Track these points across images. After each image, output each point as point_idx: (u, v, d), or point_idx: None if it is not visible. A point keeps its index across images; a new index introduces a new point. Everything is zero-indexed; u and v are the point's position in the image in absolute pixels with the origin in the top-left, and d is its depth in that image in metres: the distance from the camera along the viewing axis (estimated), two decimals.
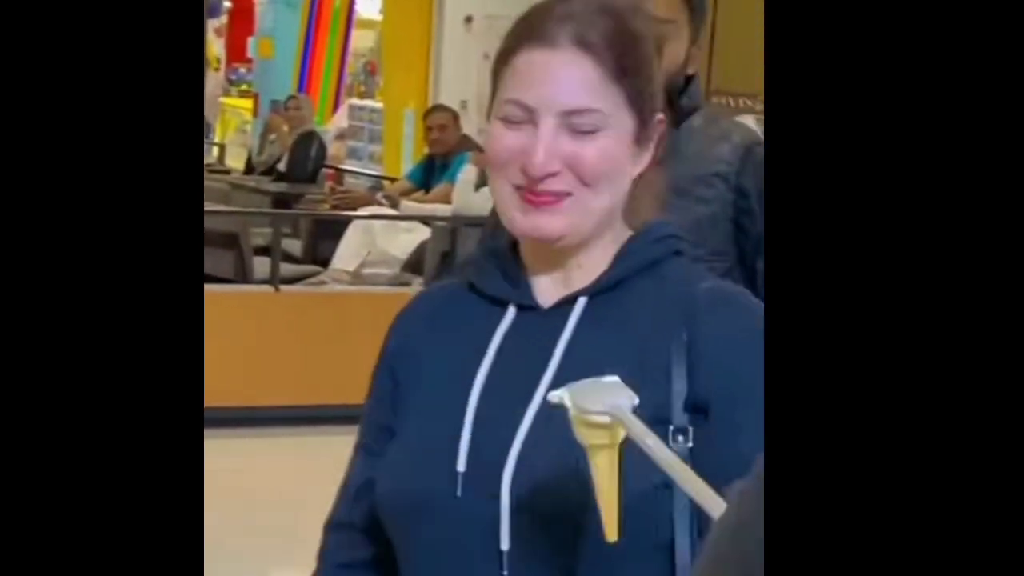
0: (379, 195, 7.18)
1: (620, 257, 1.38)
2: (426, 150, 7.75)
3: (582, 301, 1.36)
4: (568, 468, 1.26)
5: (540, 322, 1.38)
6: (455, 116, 7.54)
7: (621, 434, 1.14)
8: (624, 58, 1.33)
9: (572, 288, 1.38)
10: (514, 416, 1.33)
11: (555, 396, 1.17)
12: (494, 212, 2.77)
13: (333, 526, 1.47)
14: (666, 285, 1.40)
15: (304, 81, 9.65)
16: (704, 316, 1.38)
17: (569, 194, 1.30)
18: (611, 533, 1.19)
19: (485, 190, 2.49)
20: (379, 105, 9.33)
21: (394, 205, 6.83)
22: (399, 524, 1.35)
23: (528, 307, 1.38)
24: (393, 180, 7.72)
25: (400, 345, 1.45)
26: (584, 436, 1.15)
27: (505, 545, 1.31)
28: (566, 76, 1.32)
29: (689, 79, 2.52)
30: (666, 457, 1.11)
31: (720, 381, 1.36)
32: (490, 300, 1.41)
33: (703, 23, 2.55)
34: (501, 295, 1.39)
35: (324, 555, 1.47)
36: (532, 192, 1.30)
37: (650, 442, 1.11)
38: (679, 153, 2.42)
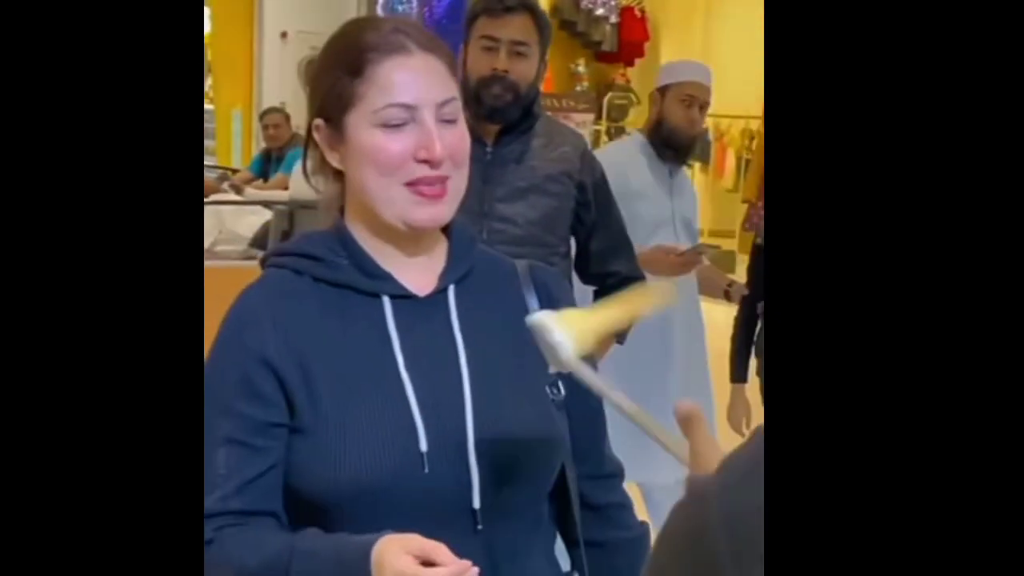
0: (226, 183, 7.40)
1: (458, 247, 1.35)
2: (263, 145, 8.07)
3: (451, 289, 1.33)
4: (521, 424, 1.24)
5: (421, 308, 1.31)
6: (287, 116, 7.91)
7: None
8: (450, 56, 1.32)
9: (431, 275, 1.33)
10: (451, 393, 1.27)
11: (533, 319, 1.12)
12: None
13: (213, 520, 1.22)
14: (487, 262, 1.40)
15: None
16: (548, 289, 1.40)
17: (449, 178, 1.26)
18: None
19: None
20: (211, 107, 9.48)
21: (239, 192, 7.07)
22: (362, 505, 1.22)
23: (401, 296, 1.31)
24: (235, 171, 8.00)
25: (280, 345, 1.27)
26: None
27: (477, 504, 1.25)
28: (430, 74, 1.26)
29: (537, 92, 2.65)
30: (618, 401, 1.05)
31: None
32: (356, 292, 1.31)
33: (548, 45, 2.64)
34: (376, 288, 1.30)
35: (216, 531, 1.22)
36: (428, 185, 1.24)
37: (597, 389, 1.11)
38: (531, 153, 2.63)
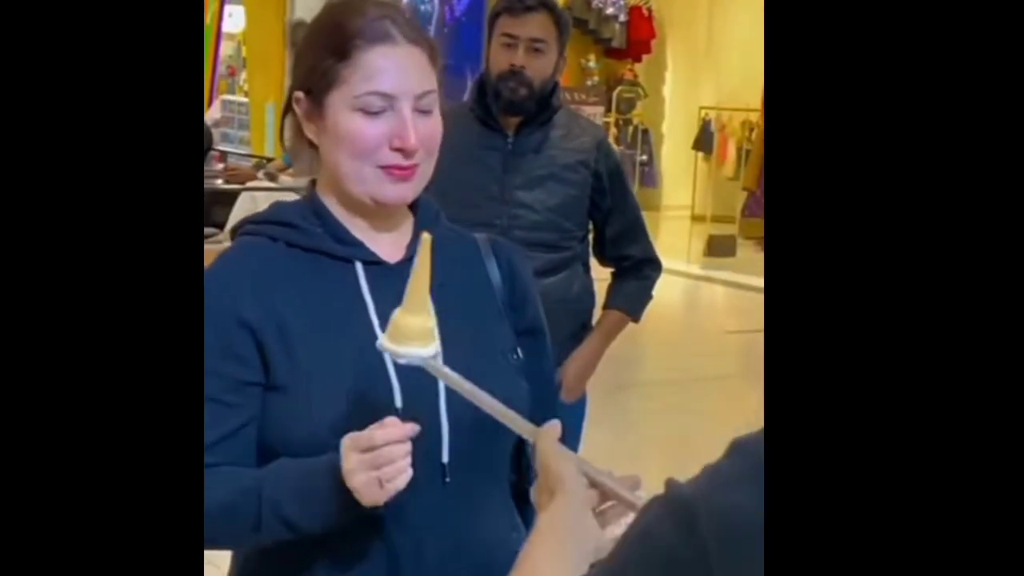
0: (261, 172, 7.37)
1: (424, 221, 1.35)
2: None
3: None
4: (485, 384, 1.19)
5: (391, 274, 1.28)
6: None
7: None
8: (433, 47, 1.31)
9: (399, 244, 1.33)
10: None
11: (379, 346, 1.13)
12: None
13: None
14: (451, 236, 1.38)
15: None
16: (508, 258, 1.41)
17: (418, 164, 1.26)
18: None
19: None
20: (245, 100, 9.45)
21: (273, 179, 7.07)
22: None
23: (372, 262, 1.30)
24: (270, 160, 8.00)
25: (255, 309, 1.26)
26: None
27: (445, 458, 1.26)
28: (412, 66, 1.26)
29: (555, 85, 2.64)
30: (470, 391, 1.12)
31: (537, 310, 1.42)
32: (330, 257, 1.30)
33: (567, 42, 2.64)
34: (349, 254, 1.30)
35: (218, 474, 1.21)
36: (399, 168, 1.24)
37: (453, 383, 1.13)
38: (549, 143, 2.63)
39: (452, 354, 1.23)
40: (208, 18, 9.75)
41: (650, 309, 2.85)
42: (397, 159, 1.24)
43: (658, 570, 0.63)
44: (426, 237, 1.13)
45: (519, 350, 1.36)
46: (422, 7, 7.65)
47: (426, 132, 1.25)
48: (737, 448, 0.63)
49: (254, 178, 7.16)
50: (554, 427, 1.08)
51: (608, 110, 9.46)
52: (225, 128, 9.58)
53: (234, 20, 10.62)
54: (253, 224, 1.37)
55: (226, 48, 12.23)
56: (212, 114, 9.82)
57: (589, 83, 8.86)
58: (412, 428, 1.12)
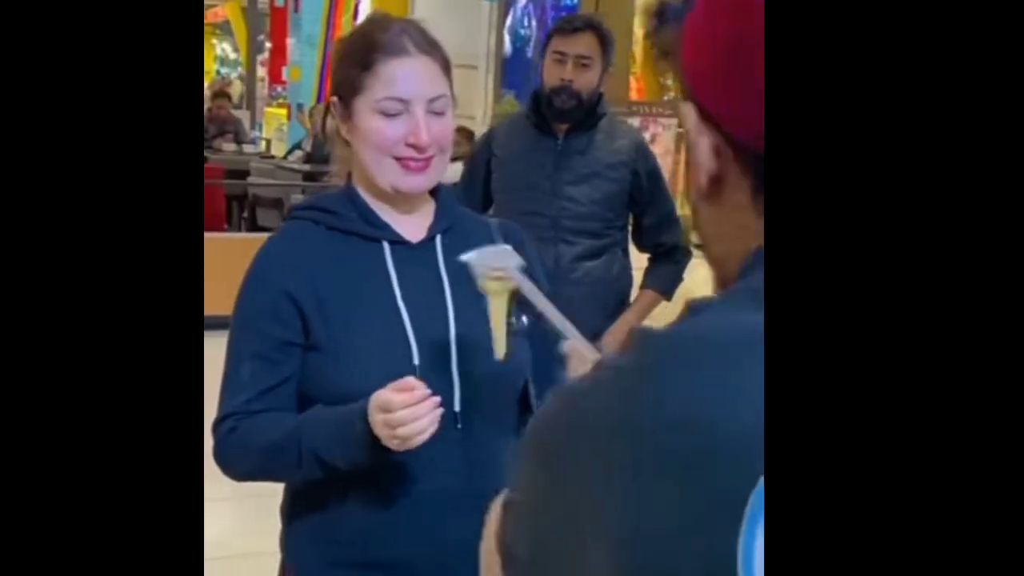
0: None
1: (443, 206, 1.46)
2: None
3: (439, 237, 1.44)
4: (491, 348, 1.29)
5: (414, 252, 1.42)
6: None
7: (511, 286, 1.23)
8: (444, 57, 1.40)
9: (422, 227, 1.44)
10: (437, 319, 1.38)
11: (465, 257, 1.23)
12: (462, 177, 3.04)
13: (234, 415, 1.36)
14: (468, 220, 1.51)
15: (321, 95, 10.17)
16: (514, 237, 1.49)
17: (433, 157, 1.36)
18: (499, 353, 1.27)
19: (455, 164, 2.77)
20: None
21: None
22: None
23: (398, 242, 1.41)
24: None
25: (298, 280, 1.37)
26: (485, 288, 1.24)
27: (457, 407, 1.36)
28: (425, 74, 1.35)
29: (600, 95, 2.84)
30: (544, 305, 1.18)
31: (539, 283, 1.38)
32: (362, 238, 1.40)
33: (612, 57, 2.84)
34: (378, 235, 1.41)
35: (238, 421, 1.36)
36: (414, 161, 1.34)
37: (530, 294, 1.20)
38: (594, 145, 2.82)
39: (466, 315, 1.38)
40: (345, 17, 10.25)
41: (681, 289, 3.02)
42: (411, 153, 1.35)
43: (610, 383, 0.59)
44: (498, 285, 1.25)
45: (523, 316, 1.40)
46: (521, 31, 7.95)
47: (438, 130, 1.36)
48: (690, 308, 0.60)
49: None
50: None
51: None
52: None
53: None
54: (300, 210, 1.52)
55: None
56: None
57: (666, 98, 8.91)
58: (424, 394, 1.22)
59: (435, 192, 1.48)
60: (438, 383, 1.30)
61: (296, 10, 10.94)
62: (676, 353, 0.55)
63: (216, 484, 1.27)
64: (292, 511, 1.46)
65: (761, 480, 0.49)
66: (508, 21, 8.26)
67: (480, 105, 8.29)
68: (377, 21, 1.46)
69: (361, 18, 11.14)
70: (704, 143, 0.60)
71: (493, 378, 1.36)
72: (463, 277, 1.30)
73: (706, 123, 0.60)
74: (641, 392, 0.54)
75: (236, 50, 17.18)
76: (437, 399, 1.24)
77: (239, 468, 1.41)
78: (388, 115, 1.34)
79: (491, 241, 1.46)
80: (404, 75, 1.35)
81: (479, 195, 2.96)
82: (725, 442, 0.51)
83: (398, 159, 1.36)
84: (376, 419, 1.24)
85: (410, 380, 1.24)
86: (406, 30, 1.38)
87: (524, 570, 0.62)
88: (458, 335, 1.38)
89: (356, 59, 1.37)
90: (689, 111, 0.61)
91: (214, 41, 19.35)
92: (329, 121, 1.48)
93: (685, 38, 0.62)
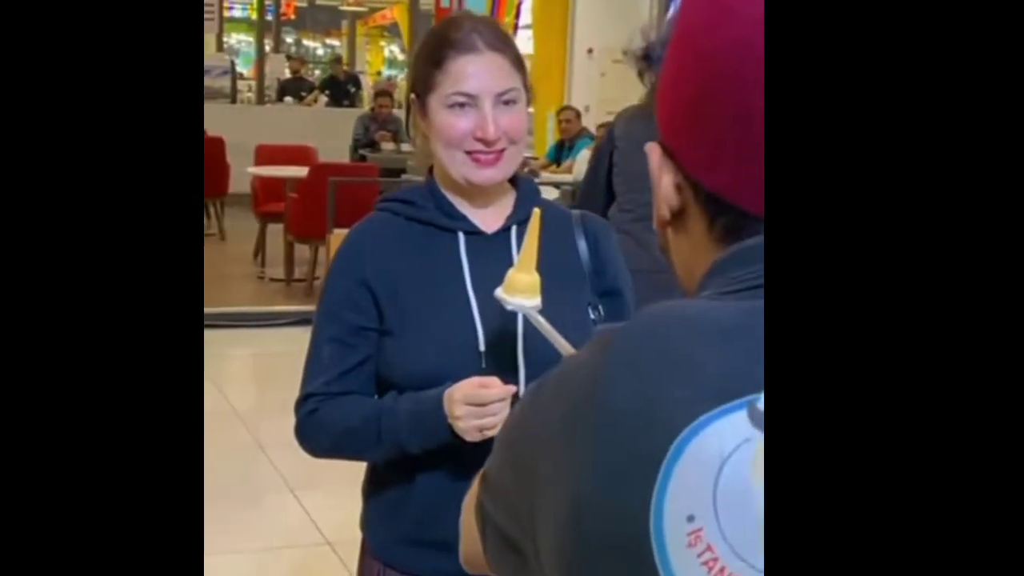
0: (525, 168, 7.60)
1: (522, 197, 1.48)
2: (559, 137, 8.29)
3: (514, 228, 1.46)
4: (571, 335, 1.30)
5: (488, 243, 1.45)
6: (578, 113, 8.10)
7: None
8: (516, 52, 1.43)
9: (500, 217, 1.46)
10: (505, 307, 1.38)
11: (496, 294, 1.28)
12: (587, 169, 2.95)
13: (316, 396, 1.45)
14: (549, 211, 1.47)
15: None
16: (595, 233, 1.52)
17: (504, 150, 1.38)
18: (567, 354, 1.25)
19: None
20: (531, 110, 9.77)
21: (535, 174, 7.29)
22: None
23: (473, 232, 1.45)
24: (535, 158, 8.21)
25: (375, 269, 1.43)
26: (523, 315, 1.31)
27: (522, 393, 1.47)
28: (493, 69, 1.38)
29: None
30: (551, 334, 1.24)
31: (616, 275, 1.51)
32: (439, 229, 1.45)
33: None
34: (454, 225, 1.45)
35: (319, 402, 1.44)
36: (484, 154, 1.37)
37: (539, 328, 1.26)
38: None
39: (545, 306, 1.39)
40: (508, 17, 10.21)
41: None
42: (480, 146, 1.38)
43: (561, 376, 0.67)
44: (536, 211, 1.28)
45: (600, 307, 1.47)
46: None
47: (508, 123, 1.38)
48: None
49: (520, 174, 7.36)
50: None
51: None
52: None
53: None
54: (384, 201, 1.55)
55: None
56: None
57: None
58: (510, 389, 1.30)
59: (515, 183, 1.50)
60: (502, 368, 1.37)
61: (460, 9, 10.93)
62: (619, 344, 0.62)
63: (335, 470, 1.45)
64: (368, 490, 1.54)
65: (675, 442, 0.55)
66: (669, 14, 7.85)
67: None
68: (453, 20, 1.52)
69: (524, 18, 11.11)
70: (667, 180, 0.66)
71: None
72: (544, 265, 1.34)
73: (669, 161, 0.66)
74: (584, 379, 0.62)
75: (404, 51, 16.80)
76: (515, 391, 1.31)
77: (319, 446, 1.49)
78: (457, 110, 1.38)
79: (570, 231, 1.51)
80: (472, 72, 1.38)
81: (601, 186, 2.94)
82: (632, 404, 0.58)
83: (468, 153, 1.39)
84: (460, 411, 1.31)
85: (491, 379, 1.32)
86: (477, 28, 1.42)
87: (496, 535, 0.70)
88: (526, 322, 1.39)
89: (429, 57, 1.42)
90: (654, 149, 0.68)
91: (382, 43, 19.55)
92: (411, 120, 1.54)
93: (660, 83, 0.68)
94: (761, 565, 0.54)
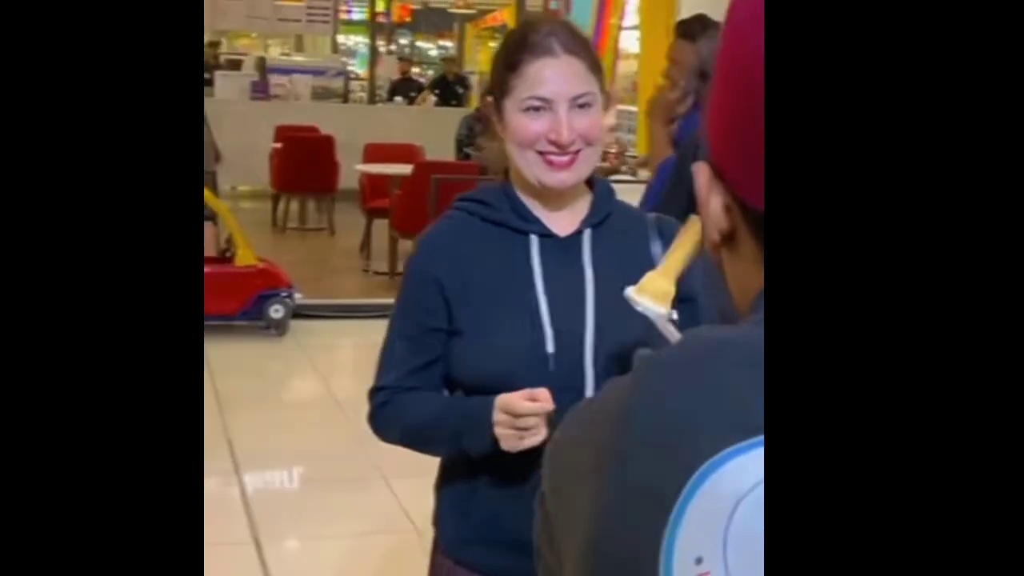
0: (624, 166, 7.55)
1: (598, 199, 1.48)
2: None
3: (587, 231, 1.46)
4: (630, 339, 1.32)
5: (560, 245, 1.45)
6: None
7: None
8: (592, 56, 1.43)
9: (575, 220, 1.46)
10: (575, 310, 1.42)
11: (626, 293, 1.26)
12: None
13: (387, 389, 1.49)
14: (624, 214, 1.52)
15: None
16: (669, 236, 1.44)
17: (579, 151, 1.38)
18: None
19: None
20: (635, 109, 9.74)
21: (634, 173, 7.26)
22: (503, 389, 1.36)
23: (546, 235, 1.45)
24: (634, 157, 8.16)
25: (447, 270, 1.44)
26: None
27: (589, 395, 1.39)
28: (569, 73, 1.38)
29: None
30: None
31: (691, 281, 1.42)
32: (512, 231, 1.45)
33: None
34: (527, 228, 1.45)
35: (390, 395, 1.48)
36: (557, 155, 1.38)
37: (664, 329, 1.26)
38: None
39: (606, 309, 1.42)
40: (609, 41, 10.18)
41: None
42: (553, 148, 1.37)
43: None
44: (693, 218, 1.21)
45: (674, 313, 1.42)
46: None
47: (582, 126, 1.37)
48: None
49: (618, 171, 7.33)
50: None
51: None
52: (617, 132, 10.15)
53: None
54: (460, 201, 1.54)
55: (630, 65, 12.97)
56: (608, 120, 10.52)
57: None
58: (545, 407, 1.30)
59: (591, 184, 1.50)
60: (570, 371, 1.39)
61: (568, 10, 10.89)
62: (652, 373, 0.63)
63: (429, 461, 1.53)
64: (439, 487, 1.56)
65: (692, 478, 0.54)
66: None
67: None
68: (530, 23, 1.53)
69: (628, 20, 11.01)
70: (716, 201, 0.65)
71: (627, 368, 1.23)
72: (608, 271, 1.40)
73: (718, 182, 0.66)
74: (614, 408, 0.62)
75: None
76: (551, 409, 1.31)
77: (389, 436, 1.52)
78: (532, 113, 1.39)
79: (645, 235, 1.49)
80: (548, 76, 1.38)
81: (686, 189, 2.82)
82: (655, 437, 0.57)
83: (540, 153, 1.39)
84: (498, 418, 1.33)
85: (542, 391, 1.32)
86: (554, 31, 1.41)
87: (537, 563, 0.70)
88: (596, 327, 1.41)
89: (506, 61, 1.42)
90: (703, 169, 0.67)
91: (492, 44, 19.72)
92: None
93: (709, 101, 0.69)
94: None
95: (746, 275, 0.66)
